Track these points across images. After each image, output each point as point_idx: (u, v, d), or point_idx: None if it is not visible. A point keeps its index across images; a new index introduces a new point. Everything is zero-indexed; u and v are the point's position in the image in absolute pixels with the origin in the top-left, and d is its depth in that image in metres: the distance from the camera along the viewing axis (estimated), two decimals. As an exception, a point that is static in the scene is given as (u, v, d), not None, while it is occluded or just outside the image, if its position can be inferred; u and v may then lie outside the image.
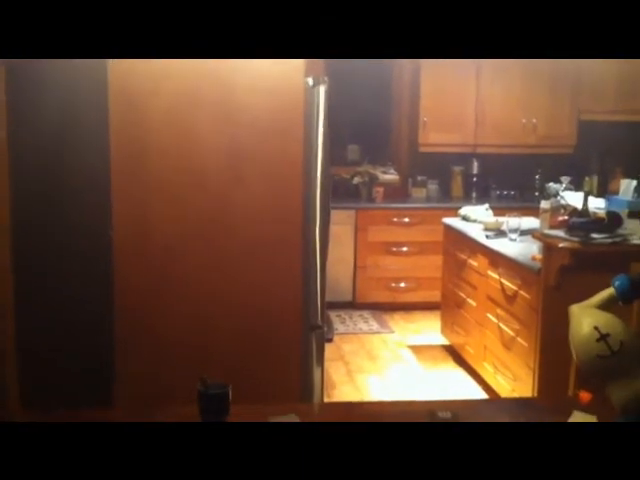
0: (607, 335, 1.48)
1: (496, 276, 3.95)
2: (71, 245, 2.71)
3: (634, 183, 4.92)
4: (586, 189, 5.33)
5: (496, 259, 3.97)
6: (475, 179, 6.27)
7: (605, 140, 6.09)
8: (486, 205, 4.86)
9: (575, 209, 3.76)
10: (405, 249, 5.83)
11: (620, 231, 3.39)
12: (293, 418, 1.77)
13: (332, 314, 5.61)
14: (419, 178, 6.22)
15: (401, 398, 4.05)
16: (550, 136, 6.06)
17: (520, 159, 6.20)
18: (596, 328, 1.48)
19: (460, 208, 4.91)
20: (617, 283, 1.56)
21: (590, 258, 3.23)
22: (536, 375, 3.44)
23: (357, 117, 6.27)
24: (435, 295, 5.21)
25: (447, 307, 4.87)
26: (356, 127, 6.34)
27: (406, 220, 5.81)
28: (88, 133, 2.65)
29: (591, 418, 1.84)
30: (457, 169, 6.24)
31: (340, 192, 5.86)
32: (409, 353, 4.95)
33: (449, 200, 6.11)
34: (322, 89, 2.60)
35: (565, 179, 5.20)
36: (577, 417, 1.85)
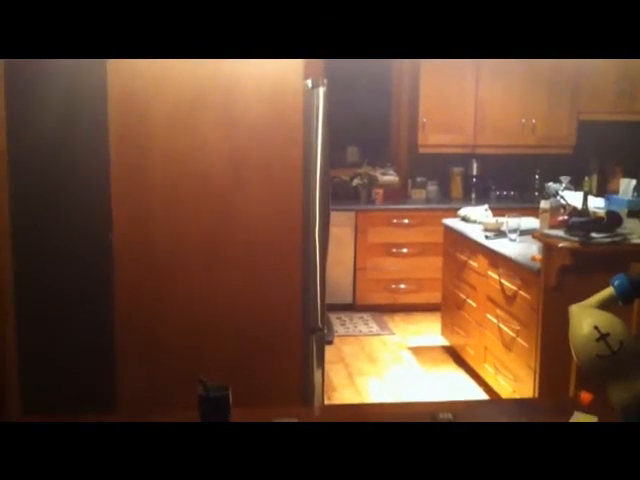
0: (607, 335, 1.47)
1: (496, 277, 3.95)
2: (71, 248, 2.71)
3: (633, 182, 4.92)
4: (586, 189, 5.33)
5: (496, 260, 3.97)
6: (474, 180, 6.27)
7: (604, 140, 6.09)
8: (486, 206, 4.86)
9: (575, 209, 3.76)
10: (405, 250, 5.83)
11: (620, 230, 3.39)
12: (294, 420, 1.76)
13: (332, 316, 5.60)
14: (419, 179, 6.22)
15: (402, 400, 4.04)
16: (549, 136, 6.06)
17: (519, 159, 6.20)
18: (596, 328, 1.48)
19: (460, 209, 4.90)
20: (616, 283, 1.56)
21: (590, 258, 3.23)
22: (537, 376, 3.44)
23: (356, 119, 6.27)
24: (435, 296, 5.21)
25: (447, 308, 4.86)
26: (355, 129, 6.34)
27: (406, 221, 5.81)
28: (87, 135, 2.65)
29: (592, 419, 1.83)
30: (456, 170, 6.24)
31: (340, 194, 5.86)
32: (409, 355, 4.95)
33: (449, 201, 6.11)
34: (321, 91, 2.60)
35: (565, 179, 5.20)
36: (578, 418, 1.84)
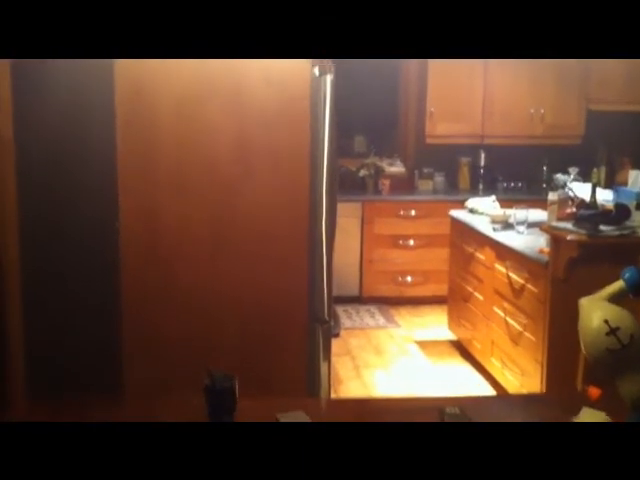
0: (617, 329, 1.45)
1: (503, 269, 3.93)
2: (78, 238, 2.71)
3: (643, 174, 4.88)
4: (594, 180, 5.29)
5: (503, 252, 3.94)
6: (482, 171, 6.23)
7: (613, 130, 6.04)
8: (493, 197, 4.83)
9: (583, 201, 3.73)
10: (412, 242, 5.81)
11: (628, 223, 3.36)
12: (301, 415, 1.75)
13: (339, 309, 5.59)
14: (426, 170, 6.18)
15: (408, 393, 4.03)
16: (558, 126, 6.01)
17: (527, 150, 6.16)
18: (606, 321, 1.46)
19: (467, 200, 4.87)
20: (627, 275, 1.53)
21: (598, 250, 3.20)
22: (544, 370, 3.42)
23: (364, 108, 6.24)
24: (442, 289, 5.19)
25: (454, 301, 4.84)
26: (363, 118, 6.31)
27: (413, 213, 5.79)
28: (94, 125, 2.64)
29: (600, 414, 1.81)
30: (464, 160, 6.20)
31: (347, 184, 5.83)
32: (416, 348, 4.94)
33: (456, 192, 6.08)
34: (329, 79, 2.58)
35: (573, 170, 5.16)
36: (586, 413, 1.83)
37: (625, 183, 5.09)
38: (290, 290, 2.66)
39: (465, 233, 4.58)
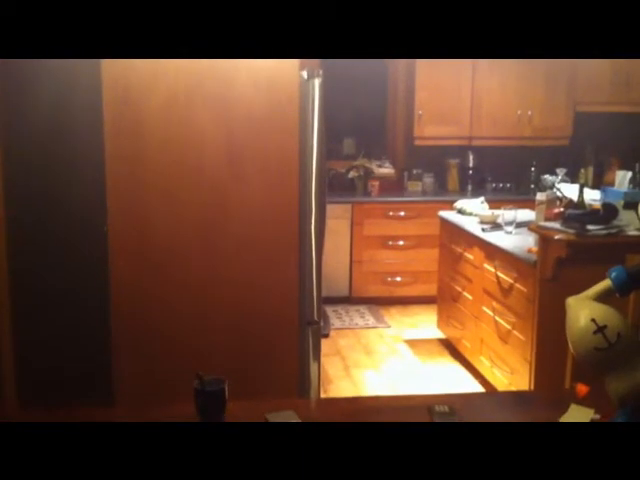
0: (604, 327, 1.47)
1: (492, 269, 3.95)
2: (66, 240, 2.70)
3: (629, 174, 4.92)
4: (581, 181, 5.34)
5: (492, 252, 3.96)
6: (471, 172, 6.26)
7: (601, 131, 6.09)
8: (482, 198, 4.85)
9: (571, 201, 3.75)
10: (401, 243, 5.83)
11: (616, 222, 3.39)
12: (291, 415, 1.76)
13: (328, 309, 5.60)
14: (415, 172, 6.21)
15: (398, 392, 4.05)
16: (546, 127, 6.05)
17: (516, 151, 6.20)
18: (593, 320, 1.47)
19: (456, 201, 4.90)
20: (613, 275, 1.55)
21: (586, 250, 3.23)
22: (533, 368, 3.44)
23: (352, 111, 6.25)
24: (431, 289, 5.21)
25: (443, 301, 4.86)
26: (351, 121, 6.32)
27: (402, 214, 5.81)
28: (82, 127, 2.64)
29: (588, 411, 1.83)
30: (453, 162, 6.23)
31: (336, 186, 5.85)
32: (405, 347, 4.95)
33: (445, 193, 6.10)
34: (317, 82, 2.59)
35: (561, 171, 5.20)
36: (574, 410, 1.84)
37: (612, 183, 5.14)
38: (280, 291, 2.67)
39: (454, 233, 4.61)
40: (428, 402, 1.85)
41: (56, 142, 2.65)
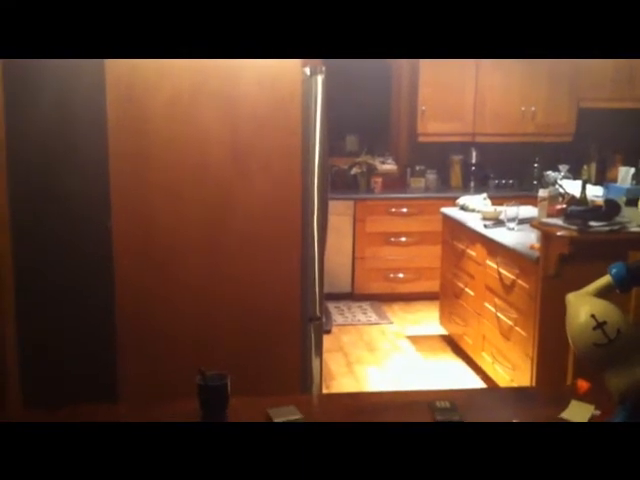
0: (604, 323, 1.47)
1: (494, 265, 3.95)
2: (70, 238, 2.71)
3: (632, 171, 4.92)
4: (584, 177, 5.34)
5: (494, 248, 3.97)
6: (474, 168, 6.26)
7: (604, 128, 6.08)
8: (484, 194, 4.86)
9: (573, 197, 3.76)
10: (404, 239, 5.83)
11: (618, 219, 3.39)
12: (292, 410, 1.77)
13: (331, 305, 5.61)
14: (417, 168, 6.21)
15: (400, 388, 4.05)
16: (549, 124, 6.04)
17: (519, 148, 6.19)
18: (593, 316, 1.48)
19: (458, 198, 4.90)
20: (614, 271, 1.55)
21: (588, 246, 3.23)
22: (534, 364, 3.45)
23: (355, 107, 6.25)
24: (434, 285, 5.21)
25: (445, 297, 4.87)
26: (355, 117, 6.32)
27: (404, 210, 5.81)
28: (86, 124, 2.64)
29: (589, 407, 1.84)
30: (456, 158, 6.23)
31: (338, 183, 5.85)
32: (408, 344, 4.96)
33: (447, 190, 6.10)
34: (319, 79, 2.59)
35: (563, 167, 5.20)
36: (575, 406, 1.85)
37: (615, 180, 5.14)
38: (282, 288, 2.67)
39: (457, 230, 4.61)
40: (429, 398, 1.86)
41: (59, 140, 2.65)
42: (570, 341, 1.54)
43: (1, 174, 2.55)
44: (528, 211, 4.21)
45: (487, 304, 4.07)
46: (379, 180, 5.98)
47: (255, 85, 2.53)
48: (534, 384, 3.41)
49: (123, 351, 2.59)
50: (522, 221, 4.01)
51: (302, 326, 2.72)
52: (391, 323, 5.38)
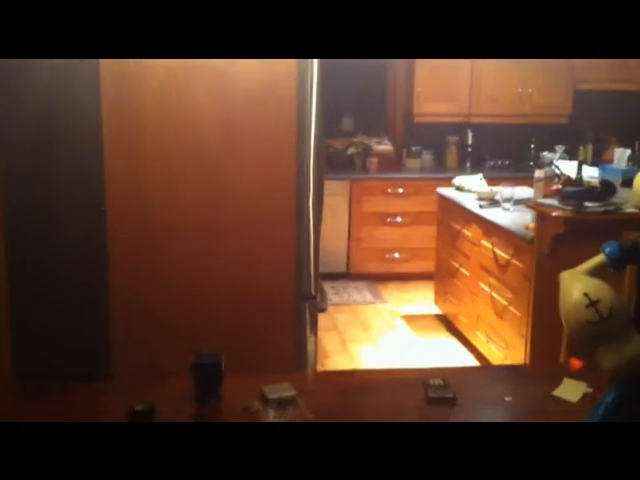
0: (597, 301, 1.48)
1: (489, 245, 3.97)
2: (64, 221, 2.69)
3: (628, 152, 4.93)
4: (580, 158, 5.33)
5: (489, 229, 3.98)
6: (469, 149, 6.25)
7: (600, 109, 6.07)
8: (480, 175, 4.85)
9: (569, 178, 3.76)
10: (399, 220, 5.83)
11: (613, 200, 3.40)
12: (286, 387, 1.78)
13: (326, 285, 5.62)
14: (413, 149, 6.19)
15: (394, 367, 4.08)
16: (545, 105, 6.03)
17: (515, 129, 6.18)
18: (586, 294, 1.48)
19: (454, 178, 4.90)
20: (608, 249, 1.56)
21: (583, 227, 3.24)
22: (528, 343, 3.47)
23: (352, 88, 6.22)
24: (429, 265, 5.23)
25: (441, 277, 4.89)
26: (351, 98, 6.29)
27: (400, 191, 5.81)
28: (79, 106, 2.62)
29: (581, 385, 1.86)
30: (451, 139, 6.22)
31: (334, 163, 5.83)
32: (402, 323, 4.99)
33: (443, 170, 6.10)
34: (315, 59, 2.58)
35: (559, 148, 5.20)
36: (567, 384, 1.87)
37: (611, 161, 5.15)
38: (278, 267, 2.68)
39: (452, 210, 4.62)
40: (423, 376, 1.88)
41: (52, 121, 2.63)
42: (563, 319, 1.54)
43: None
44: (524, 192, 4.21)
45: (482, 284, 4.09)
46: (375, 160, 5.97)
47: (250, 64, 2.52)
48: (528, 363, 3.44)
49: (117, 333, 2.59)
50: (518, 202, 4.01)
51: (297, 304, 2.73)
52: (386, 302, 5.41)
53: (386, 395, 1.85)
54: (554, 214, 3.28)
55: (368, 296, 5.54)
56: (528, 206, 3.59)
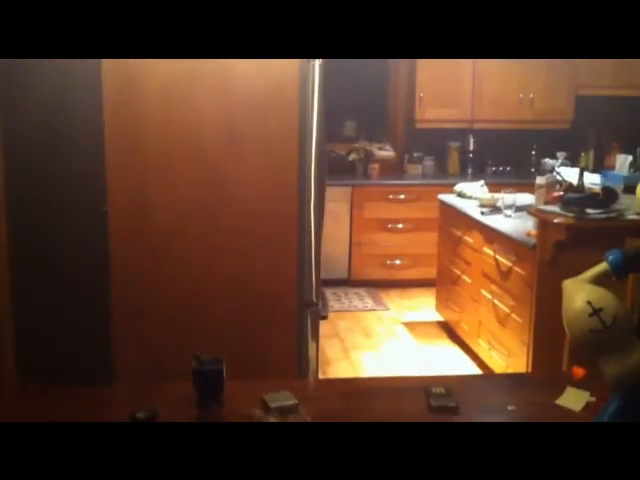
0: (600, 310, 1.47)
1: (491, 252, 3.95)
2: (66, 220, 2.70)
3: (630, 158, 4.92)
4: (582, 164, 5.33)
5: (491, 235, 3.97)
6: (471, 155, 6.25)
7: (602, 115, 6.06)
8: (482, 181, 4.85)
9: (570, 185, 3.75)
10: (401, 226, 5.82)
11: (615, 206, 3.39)
12: (287, 395, 1.77)
13: (327, 291, 5.60)
14: (415, 154, 6.19)
15: (396, 374, 4.07)
16: (547, 111, 6.02)
17: (516, 135, 6.18)
18: (589, 303, 1.48)
19: (456, 184, 4.89)
20: (611, 258, 1.55)
21: (585, 233, 3.23)
22: (530, 351, 3.46)
23: (354, 93, 6.22)
24: (430, 272, 5.21)
25: (442, 284, 4.87)
26: (352, 103, 6.29)
27: (402, 197, 5.80)
28: (82, 107, 2.62)
29: (584, 394, 1.85)
30: (453, 145, 6.21)
31: (336, 169, 5.83)
32: (404, 330, 4.97)
33: (445, 176, 6.09)
34: (317, 63, 2.58)
35: (561, 155, 5.18)
36: (570, 392, 1.86)
37: (613, 167, 5.14)
38: (279, 273, 2.67)
39: (454, 217, 4.61)
40: (425, 383, 1.87)
41: (55, 121, 2.64)
42: (566, 327, 1.54)
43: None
44: (525, 198, 4.20)
45: (483, 291, 4.08)
46: (376, 166, 5.97)
47: (252, 68, 2.52)
48: (530, 371, 3.42)
49: (119, 333, 2.59)
50: (519, 208, 4.00)
51: (299, 312, 2.72)
52: (387, 309, 5.39)
53: (388, 403, 1.84)
54: (556, 221, 3.28)
55: (369, 303, 5.53)
56: (530, 213, 3.59)
